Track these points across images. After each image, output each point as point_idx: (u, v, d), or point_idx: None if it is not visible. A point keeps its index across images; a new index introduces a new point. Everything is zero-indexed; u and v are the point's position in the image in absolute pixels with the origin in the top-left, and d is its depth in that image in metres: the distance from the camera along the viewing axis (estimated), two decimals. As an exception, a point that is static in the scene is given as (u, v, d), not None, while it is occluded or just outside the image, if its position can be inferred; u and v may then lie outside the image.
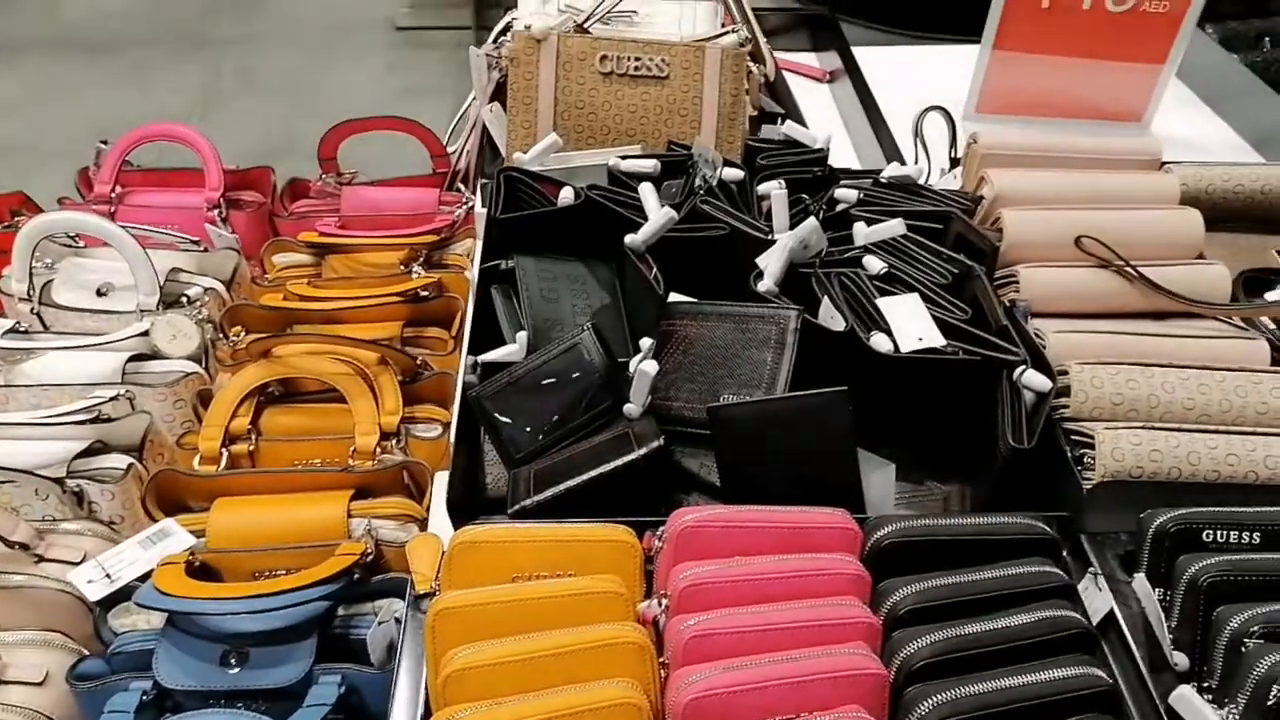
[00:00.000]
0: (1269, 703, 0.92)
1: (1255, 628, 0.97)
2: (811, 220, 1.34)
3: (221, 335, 1.58)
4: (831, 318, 1.28)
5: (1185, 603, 1.04)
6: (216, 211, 1.80)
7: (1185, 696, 0.98)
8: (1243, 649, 0.96)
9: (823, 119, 2.08)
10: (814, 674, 0.92)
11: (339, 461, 1.37)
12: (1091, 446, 1.19)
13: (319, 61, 4.49)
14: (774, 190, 1.41)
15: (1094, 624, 1.09)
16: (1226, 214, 1.62)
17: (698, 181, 1.48)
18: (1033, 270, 1.43)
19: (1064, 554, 1.08)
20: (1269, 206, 1.61)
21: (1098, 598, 1.10)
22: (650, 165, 1.52)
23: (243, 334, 1.56)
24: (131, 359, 1.46)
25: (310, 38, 4.67)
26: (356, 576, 1.20)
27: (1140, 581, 1.08)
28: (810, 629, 0.96)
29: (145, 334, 1.51)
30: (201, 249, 1.71)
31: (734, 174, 1.52)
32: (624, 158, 1.53)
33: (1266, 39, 2.74)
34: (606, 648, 0.96)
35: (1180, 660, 1.03)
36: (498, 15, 1.94)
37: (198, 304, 1.58)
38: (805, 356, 1.23)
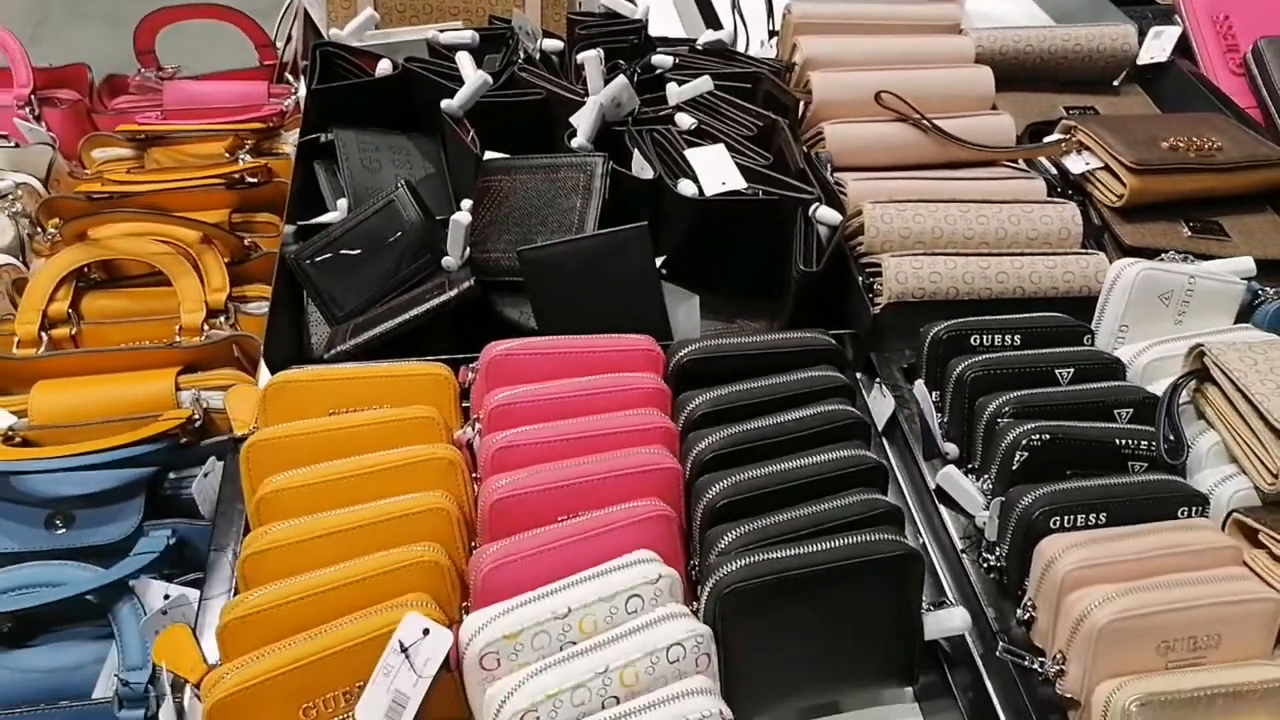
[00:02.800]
0: (1014, 467, 1.04)
1: (1006, 409, 1.08)
2: (621, 78, 1.38)
3: (38, 229, 1.54)
4: (642, 169, 1.33)
5: (954, 398, 1.15)
6: (28, 108, 1.73)
7: (949, 474, 1.09)
8: (995, 427, 1.07)
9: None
10: (613, 471, 0.99)
11: (167, 341, 1.36)
12: (881, 275, 1.29)
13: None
14: (589, 55, 1.45)
15: (880, 427, 1.20)
16: (1020, 74, 1.73)
17: (518, 53, 1.51)
18: (836, 126, 1.51)
19: (848, 360, 1.17)
20: (1055, 66, 1.73)
21: (882, 403, 1.21)
22: (469, 36, 1.53)
23: (60, 226, 1.53)
24: (-60, 252, 1.41)
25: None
26: (185, 441, 1.21)
27: (919, 386, 1.19)
28: (611, 435, 1.03)
29: (-47, 228, 1.46)
30: (13, 145, 1.65)
31: (554, 45, 1.55)
32: (443, 30, 1.54)
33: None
34: (418, 464, 1.01)
35: (950, 449, 1.14)
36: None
37: (9, 198, 1.53)
38: (617, 207, 1.29)
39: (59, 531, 1.12)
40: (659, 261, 1.30)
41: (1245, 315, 1.26)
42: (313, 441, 1.02)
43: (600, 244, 1.18)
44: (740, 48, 1.72)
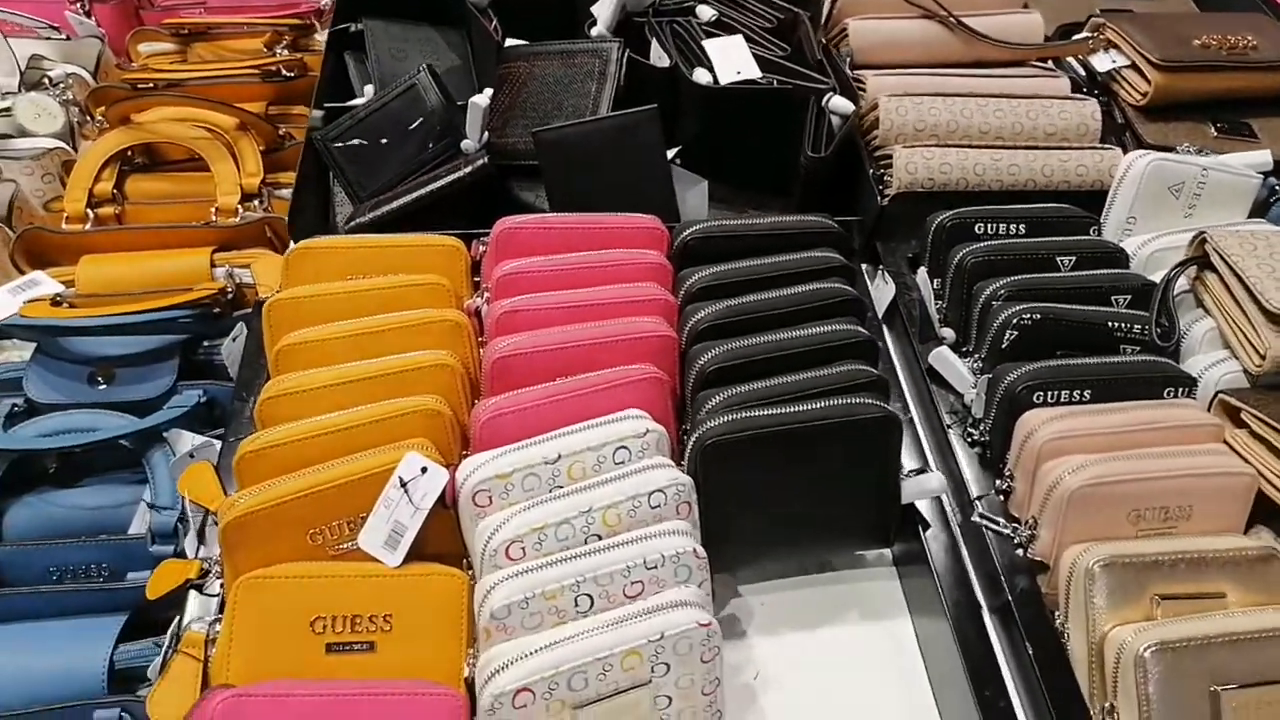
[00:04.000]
0: (1003, 346, 1.06)
1: (1002, 291, 1.10)
2: (642, -32, 1.39)
3: (87, 117, 1.61)
4: (660, 59, 1.35)
5: (954, 284, 1.16)
6: (79, 4, 1.79)
7: (941, 354, 1.12)
8: (990, 309, 1.09)
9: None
10: (611, 337, 1.03)
11: (204, 221, 1.43)
12: (892, 166, 1.30)
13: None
14: (611, -54, 1.45)
15: (880, 313, 1.22)
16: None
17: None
18: (860, 22, 1.50)
19: (852, 245, 1.19)
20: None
21: (884, 289, 1.23)
22: (497, -70, 1.55)
23: (106, 113, 1.60)
24: (-4, 138, 1.50)
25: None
26: (218, 311, 1.28)
27: (921, 273, 1.21)
28: (612, 305, 1.07)
29: (8, 113, 1.54)
30: (64, 37, 1.72)
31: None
32: (470, -76, 1.56)
33: None
34: (427, 325, 1.06)
35: (947, 334, 1.16)
36: None
37: (60, 86, 1.60)
38: (634, 96, 1.31)
39: (100, 387, 1.20)
40: (673, 151, 1.33)
41: (1261, 212, 1.25)
42: (329, 302, 1.08)
43: (611, 126, 1.21)
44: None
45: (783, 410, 0.95)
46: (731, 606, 1.02)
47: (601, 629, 0.81)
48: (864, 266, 1.29)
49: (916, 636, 0.99)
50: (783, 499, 0.97)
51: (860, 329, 1.05)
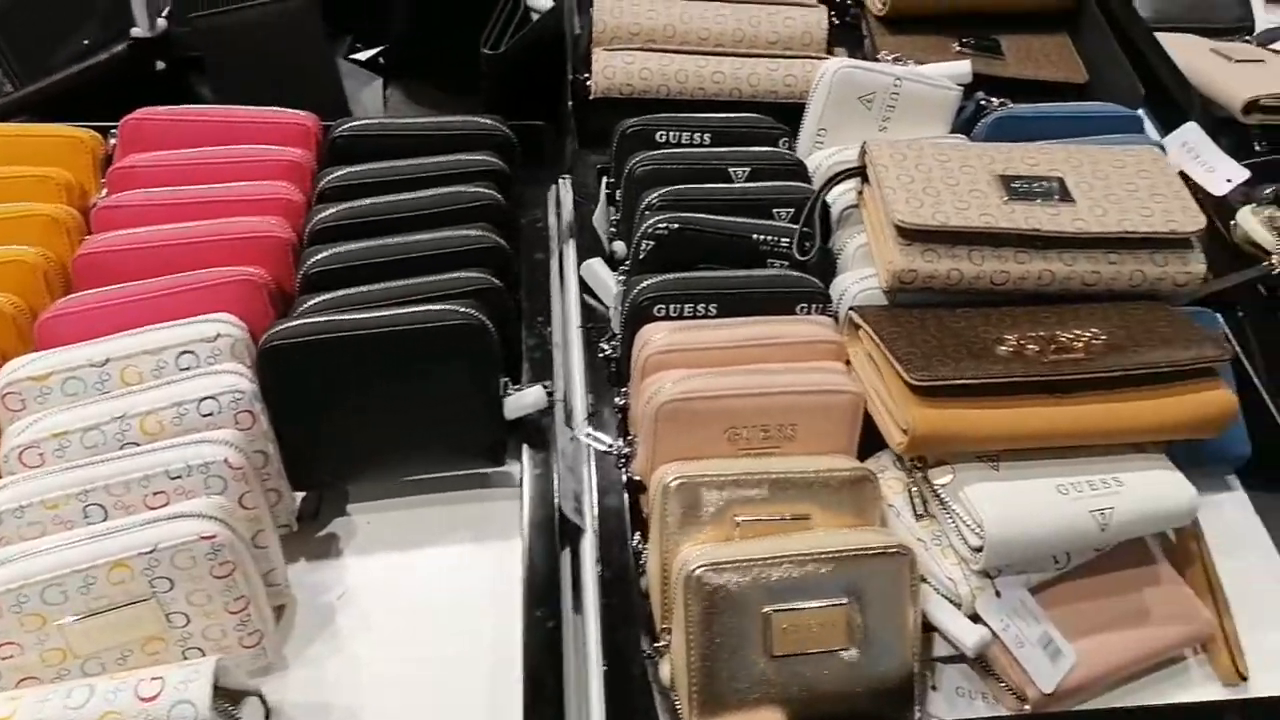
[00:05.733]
0: (641, 258, 1.00)
1: (656, 201, 1.04)
2: None
3: None
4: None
5: (626, 194, 1.10)
6: None
7: (590, 266, 1.06)
8: (644, 219, 1.03)
9: None
10: (213, 236, 0.96)
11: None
12: (594, 70, 1.22)
13: None
14: None
15: (565, 223, 1.16)
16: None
17: None
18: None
19: (516, 149, 1.12)
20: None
21: (566, 199, 1.16)
22: None
23: None
24: None
25: None
26: None
27: (604, 184, 1.14)
28: (228, 203, 1.00)
29: None
30: None
31: None
32: None
33: None
34: (23, 219, 0.98)
35: (619, 247, 1.10)
36: None
37: None
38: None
39: None
40: (372, 51, 1.24)
41: (968, 128, 1.19)
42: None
43: (266, 14, 1.12)
44: None
45: (364, 316, 0.89)
46: (335, 525, 0.97)
47: (86, 540, 0.75)
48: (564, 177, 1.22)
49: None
50: (367, 411, 0.91)
51: (489, 235, 0.99)
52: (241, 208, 1.00)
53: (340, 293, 0.93)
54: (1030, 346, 0.88)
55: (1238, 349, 1.07)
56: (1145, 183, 0.98)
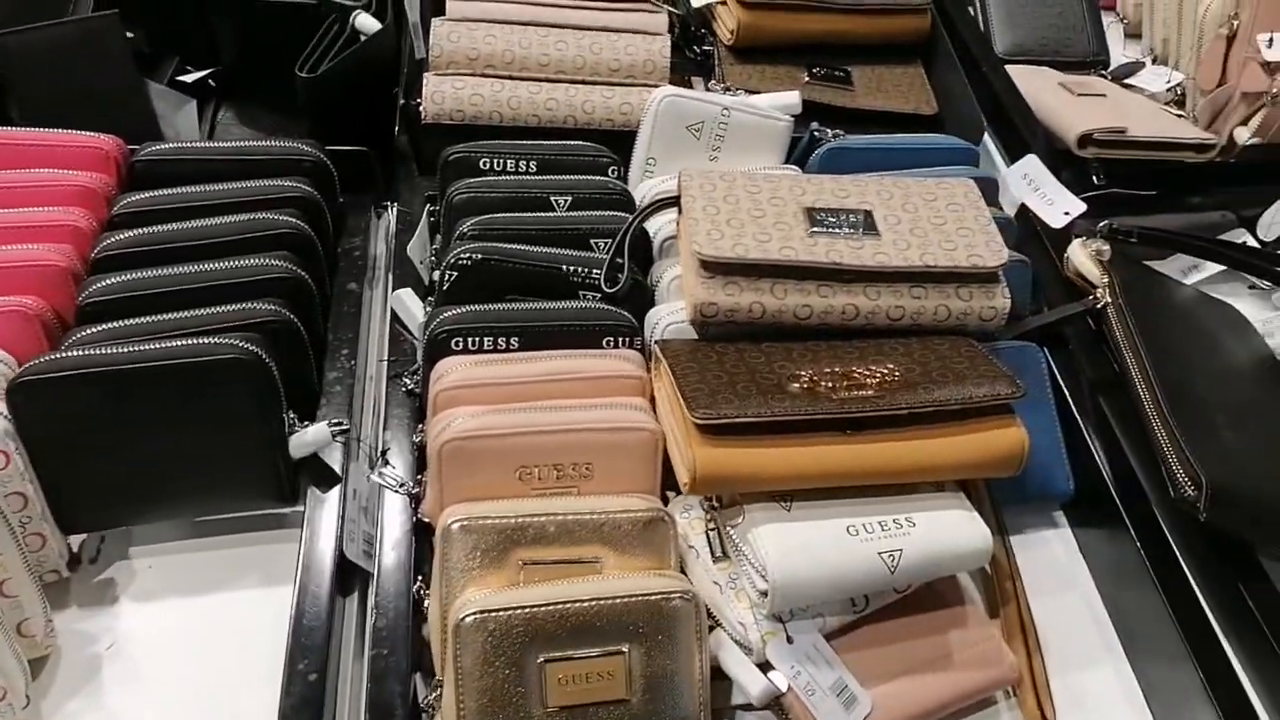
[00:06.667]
0: (445, 288, 0.96)
1: (467, 229, 1.01)
2: None
3: None
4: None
5: (446, 222, 1.07)
6: None
7: (399, 297, 1.02)
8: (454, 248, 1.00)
9: None
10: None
11: None
12: (427, 96, 1.19)
13: None
14: None
15: (388, 251, 1.12)
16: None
17: None
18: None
19: (331, 174, 1.08)
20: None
21: (390, 226, 1.13)
22: None
23: None
24: None
25: None
26: None
27: (426, 212, 1.11)
28: (18, 229, 0.95)
29: None
30: None
31: None
32: None
33: None
34: None
35: (437, 278, 1.06)
36: None
37: None
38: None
39: None
40: (202, 72, 1.20)
41: (803, 159, 1.18)
42: None
43: (66, 33, 1.08)
44: None
45: (127, 350, 0.84)
46: (113, 570, 0.91)
47: None
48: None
49: (308, 605, 0.90)
50: (138, 450, 0.86)
51: (289, 266, 0.94)
52: (25, 234, 0.95)
53: (117, 324, 0.88)
54: (824, 383, 0.86)
55: (1063, 385, 1.07)
56: (954, 215, 0.97)
